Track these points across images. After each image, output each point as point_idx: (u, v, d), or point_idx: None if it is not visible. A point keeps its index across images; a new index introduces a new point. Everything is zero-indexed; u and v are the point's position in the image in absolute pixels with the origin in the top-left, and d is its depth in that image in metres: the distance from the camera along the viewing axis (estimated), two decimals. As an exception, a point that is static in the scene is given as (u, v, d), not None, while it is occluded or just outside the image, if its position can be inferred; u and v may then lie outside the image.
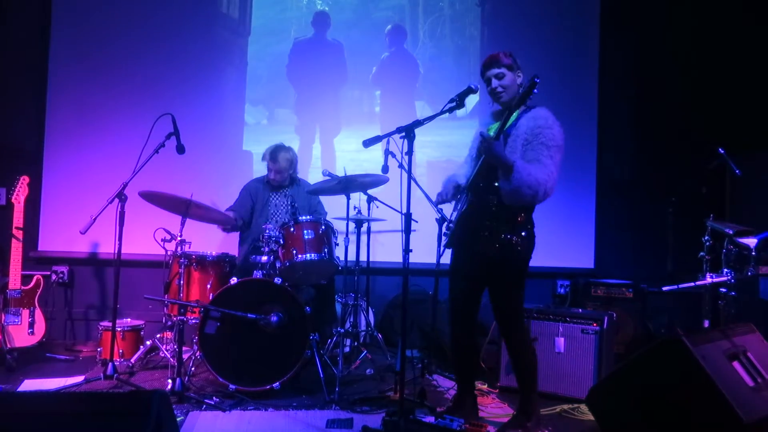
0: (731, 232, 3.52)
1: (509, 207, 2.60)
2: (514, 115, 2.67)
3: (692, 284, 3.59)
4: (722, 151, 3.81)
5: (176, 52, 4.68)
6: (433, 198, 2.97)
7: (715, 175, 4.30)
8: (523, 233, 2.63)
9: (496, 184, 2.60)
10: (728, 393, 2.22)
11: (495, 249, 2.62)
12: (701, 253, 3.68)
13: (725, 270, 3.53)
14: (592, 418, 2.71)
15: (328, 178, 3.64)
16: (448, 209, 2.89)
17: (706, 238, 3.69)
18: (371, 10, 4.95)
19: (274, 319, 3.15)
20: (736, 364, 2.45)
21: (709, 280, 3.54)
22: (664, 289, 3.73)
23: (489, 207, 2.63)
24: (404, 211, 2.53)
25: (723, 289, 3.53)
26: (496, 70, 2.68)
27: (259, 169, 4.48)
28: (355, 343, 3.90)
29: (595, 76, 4.99)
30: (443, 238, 2.80)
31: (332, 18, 4.89)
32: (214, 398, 3.04)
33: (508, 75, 2.68)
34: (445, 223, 2.81)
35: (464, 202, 2.69)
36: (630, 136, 5.12)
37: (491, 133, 2.68)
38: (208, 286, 3.55)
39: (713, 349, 2.41)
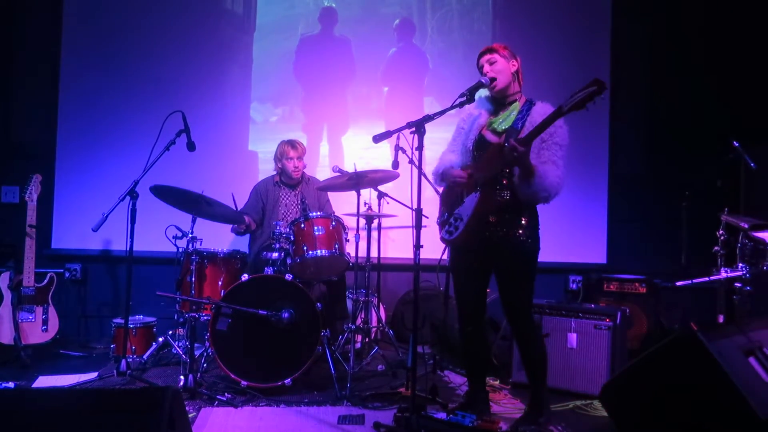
0: (746, 226, 3.48)
1: (514, 203, 2.60)
2: (515, 108, 2.66)
3: (707, 279, 3.55)
4: (737, 144, 3.76)
5: (183, 49, 4.70)
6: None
7: (729, 168, 4.25)
8: (530, 225, 2.64)
9: (506, 181, 2.60)
10: (744, 389, 2.19)
11: (505, 243, 2.62)
12: (716, 248, 3.64)
13: (740, 264, 3.49)
14: (605, 414, 2.69)
15: (338, 174, 3.64)
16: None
17: (721, 232, 3.65)
18: (379, 6, 4.92)
19: (285, 315, 3.16)
20: (752, 360, 2.42)
21: (723, 274, 3.50)
22: (678, 284, 3.69)
23: (497, 202, 2.62)
24: (415, 207, 2.52)
25: (738, 284, 3.49)
26: (488, 56, 2.69)
27: (266, 169, 4.48)
28: (367, 339, 3.90)
29: (607, 68, 4.93)
30: (444, 234, 2.75)
31: (339, 14, 4.87)
32: (226, 394, 3.05)
33: (501, 61, 2.67)
34: (444, 216, 2.77)
35: (473, 200, 2.66)
36: (642, 129, 5.06)
37: (497, 127, 2.65)
38: (220, 283, 3.57)
39: (729, 345, 2.38)
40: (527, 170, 2.50)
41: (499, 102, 2.75)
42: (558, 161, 2.57)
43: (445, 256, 2.83)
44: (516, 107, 2.67)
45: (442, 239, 2.78)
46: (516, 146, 2.43)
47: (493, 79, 2.66)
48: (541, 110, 2.60)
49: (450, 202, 2.76)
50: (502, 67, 2.67)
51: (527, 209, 2.64)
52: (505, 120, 2.67)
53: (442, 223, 2.76)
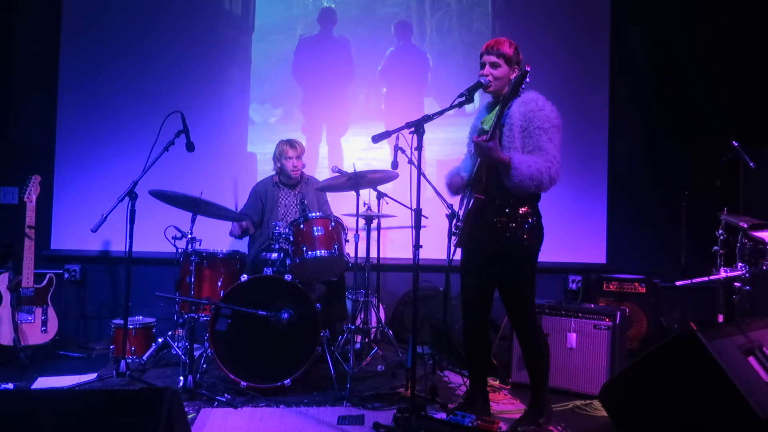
0: (745, 226, 3.48)
1: (513, 200, 2.58)
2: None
3: (706, 279, 3.55)
4: (736, 144, 3.76)
5: (182, 50, 4.69)
6: (443, 193, 2.96)
7: (728, 168, 4.25)
8: (528, 226, 2.62)
9: (496, 179, 2.59)
10: (744, 389, 2.18)
11: (502, 243, 2.61)
12: (715, 247, 3.64)
13: (740, 264, 3.48)
14: (605, 414, 2.69)
15: (337, 174, 3.64)
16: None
17: (720, 231, 3.65)
18: (377, 7, 4.92)
19: (284, 316, 3.15)
20: (751, 360, 2.42)
21: (723, 274, 3.49)
22: (678, 283, 3.69)
23: (493, 202, 2.61)
24: (414, 207, 2.52)
25: (737, 284, 3.48)
26: (493, 58, 2.65)
27: (265, 170, 4.48)
28: (366, 340, 3.90)
29: (607, 68, 4.94)
30: (452, 237, 2.78)
31: (338, 14, 4.86)
32: (225, 395, 3.05)
33: (503, 67, 2.64)
34: (453, 221, 2.80)
35: (469, 199, 2.67)
36: (642, 128, 5.06)
37: (486, 126, 2.65)
38: (219, 284, 3.57)
39: (728, 345, 2.37)
40: (499, 164, 2.50)
41: (493, 103, 2.75)
42: (544, 145, 2.52)
43: (453, 257, 2.84)
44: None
45: (454, 242, 2.79)
46: (477, 142, 2.46)
47: (490, 83, 2.65)
48: (522, 99, 2.57)
49: (460, 205, 2.79)
50: (502, 74, 2.64)
51: (525, 206, 2.62)
52: (491, 118, 2.67)
53: (454, 226, 2.78)
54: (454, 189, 2.85)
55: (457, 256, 2.87)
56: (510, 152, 2.52)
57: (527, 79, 2.43)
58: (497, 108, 2.58)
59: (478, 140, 2.51)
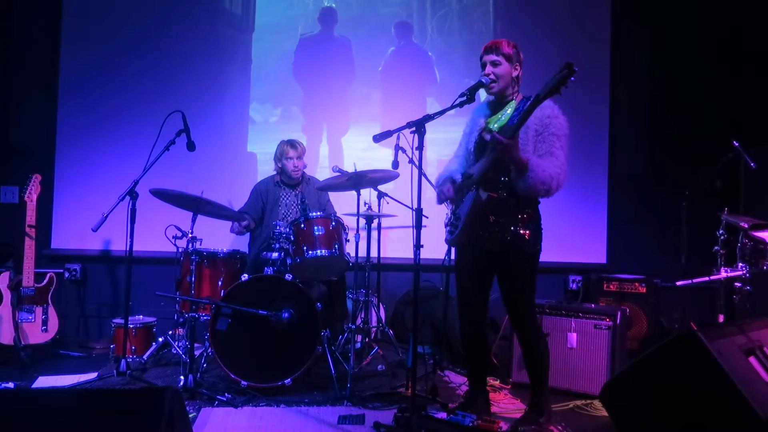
0: (746, 226, 3.48)
1: (517, 201, 2.59)
2: (511, 106, 2.63)
3: (707, 279, 3.55)
4: (737, 144, 3.77)
5: (182, 49, 4.69)
6: None
7: (729, 168, 4.25)
8: (531, 225, 2.63)
9: (504, 178, 2.59)
10: (744, 389, 2.18)
11: (506, 243, 2.61)
12: (715, 247, 3.64)
13: (740, 264, 3.49)
14: (605, 414, 2.69)
15: (338, 174, 3.64)
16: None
17: (721, 231, 3.65)
18: (378, 6, 4.92)
19: (285, 315, 3.15)
20: (752, 360, 2.42)
21: (723, 274, 3.50)
22: (678, 283, 3.69)
23: (497, 201, 2.61)
24: (415, 206, 2.52)
25: (738, 284, 3.49)
26: (493, 57, 2.65)
27: (265, 170, 4.48)
28: (366, 339, 3.90)
29: (607, 68, 4.93)
30: (447, 234, 2.77)
31: (339, 14, 4.86)
32: (226, 395, 3.05)
33: (505, 65, 2.65)
34: (447, 219, 2.78)
35: (470, 198, 2.66)
36: (642, 128, 5.06)
37: (493, 126, 2.64)
38: (219, 283, 3.57)
39: (729, 345, 2.37)
40: (518, 164, 2.50)
41: (497, 102, 2.75)
42: (556, 152, 2.55)
43: (452, 256, 2.83)
44: (512, 105, 2.66)
45: (445, 240, 2.79)
46: (499, 139, 2.44)
47: (493, 81, 2.65)
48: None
49: (455, 203, 2.77)
50: (504, 72, 2.65)
51: (528, 207, 2.63)
52: (501, 118, 2.66)
53: (447, 223, 2.77)
54: (443, 198, 2.79)
55: (453, 255, 2.86)
56: (524, 154, 2.52)
57: (572, 78, 2.32)
58: (521, 108, 2.49)
59: (499, 138, 2.45)
